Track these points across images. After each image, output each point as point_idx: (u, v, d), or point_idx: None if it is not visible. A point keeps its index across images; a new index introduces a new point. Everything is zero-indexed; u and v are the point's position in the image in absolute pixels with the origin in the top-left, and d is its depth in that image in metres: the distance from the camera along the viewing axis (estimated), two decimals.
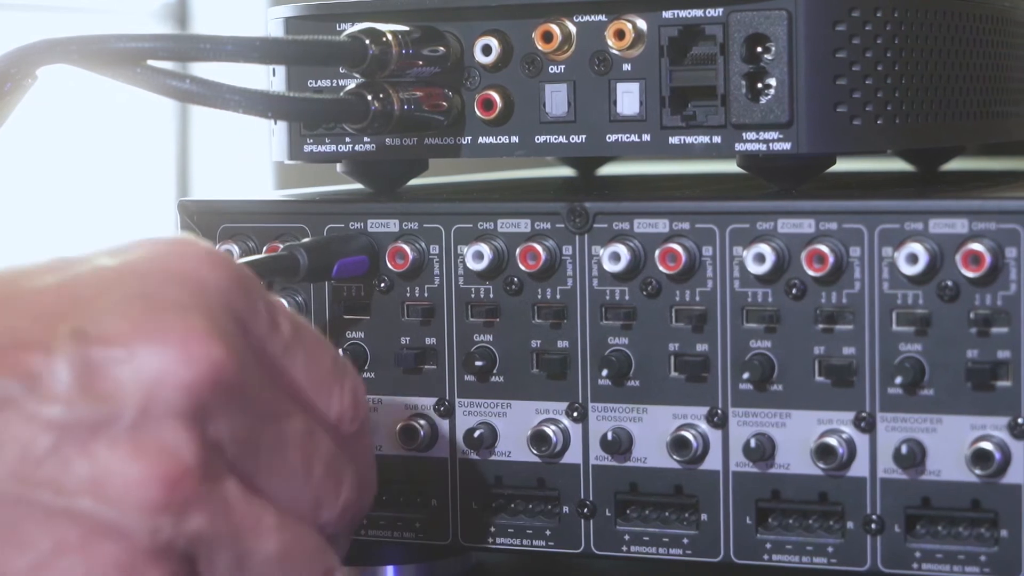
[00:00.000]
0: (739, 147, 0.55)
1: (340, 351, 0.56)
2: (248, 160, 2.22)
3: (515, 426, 0.58)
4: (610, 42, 0.56)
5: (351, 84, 0.57)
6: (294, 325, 0.47)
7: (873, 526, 0.54)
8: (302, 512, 0.46)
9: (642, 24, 0.56)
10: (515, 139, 0.58)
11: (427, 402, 0.59)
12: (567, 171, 0.82)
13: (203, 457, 0.43)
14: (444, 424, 0.58)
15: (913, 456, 0.53)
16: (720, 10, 0.55)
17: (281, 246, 0.58)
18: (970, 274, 0.52)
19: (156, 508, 0.42)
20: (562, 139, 0.57)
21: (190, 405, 0.43)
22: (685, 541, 0.56)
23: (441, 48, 0.58)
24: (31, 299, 0.44)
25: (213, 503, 0.43)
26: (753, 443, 0.55)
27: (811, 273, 0.54)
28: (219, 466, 0.44)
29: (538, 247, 0.57)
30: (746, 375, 0.55)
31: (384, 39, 0.56)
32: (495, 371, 0.58)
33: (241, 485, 0.44)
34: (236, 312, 0.45)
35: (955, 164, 0.75)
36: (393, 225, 0.59)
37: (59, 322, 0.43)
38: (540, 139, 0.58)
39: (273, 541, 0.45)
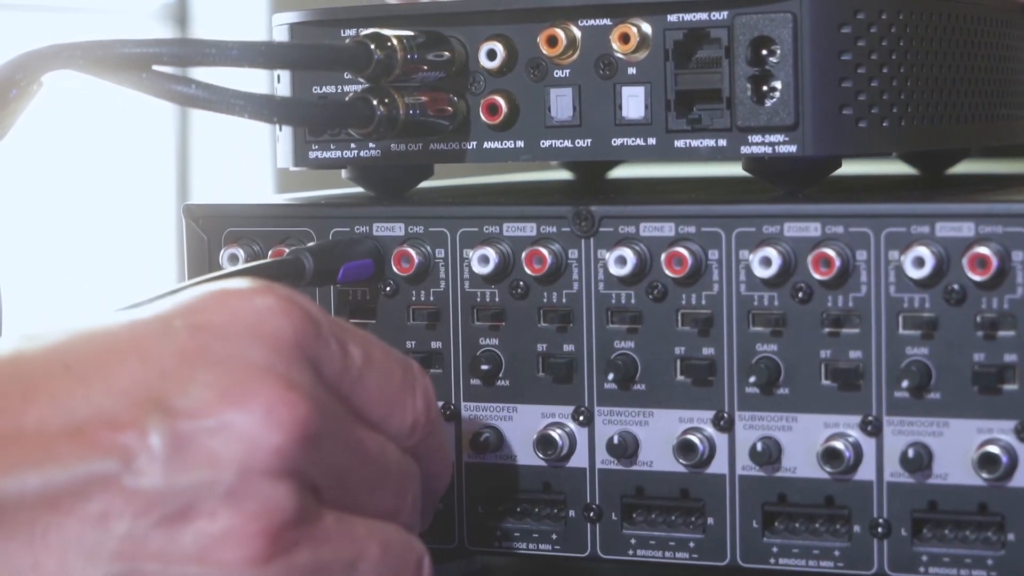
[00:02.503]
0: (745, 150, 0.55)
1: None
2: (249, 164, 2.22)
3: (521, 430, 0.58)
4: (615, 46, 0.56)
5: (356, 89, 0.57)
6: (363, 347, 0.48)
7: (880, 530, 0.54)
8: (385, 516, 0.48)
9: (647, 28, 0.56)
10: (520, 144, 0.58)
11: None
12: (567, 174, 0.82)
13: (301, 504, 0.45)
14: (450, 428, 0.58)
15: (920, 460, 0.53)
16: (725, 13, 0.55)
17: (286, 250, 0.58)
18: (977, 277, 0.52)
19: (261, 561, 0.44)
20: (567, 143, 0.57)
21: (283, 465, 0.44)
22: (691, 545, 0.56)
23: (446, 53, 0.57)
24: (117, 378, 0.44)
25: (316, 537, 0.45)
26: (759, 447, 0.55)
27: (817, 277, 0.54)
28: (313, 506, 0.45)
29: (544, 251, 0.57)
30: (752, 379, 0.55)
31: (389, 44, 0.56)
32: (501, 375, 0.58)
33: (333, 510, 0.46)
34: (311, 356, 0.46)
35: (960, 167, 0.75)
36: (398, 229, 0.59)
37: (146, 399, 0.44)
38: (545, 144, 0.58)
39: (372, 547, 0.47)
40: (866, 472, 0.54)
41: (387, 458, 0.49)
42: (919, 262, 0.53)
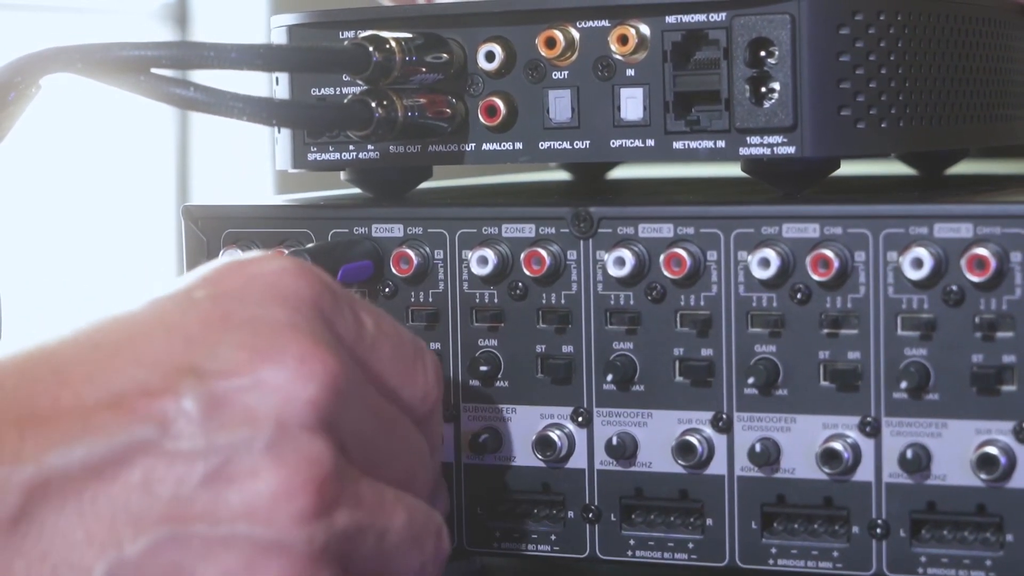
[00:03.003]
0: (743, 151, 0.55)
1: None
2: (248, 165, 2.22)
3: (520, 431, 0.58)
4: (613, 47, 0.56)
5: (355, 91, 0.57)
6: (374, 318, 0.49)
7: (878, 531, 0.54)
8: (404, 486, 0.49)
9: (645, 29, 0.56)
10: (519, 145, 0.58)
11: None
12: (566, 175, 0.82)
13: (338, 459, 0.45)
14: (449, 429, 0.58)
15: (918, 460, 0.53)
16: (723, 15, 0.55)
17: (285, 251, 0.58)
18: (975, 278, 0.52)
19: (308, 517, 0.44)
20: (566, 145, 0.57)
21: (319, 416, 0.45)
22: (690, 546, 0.56)
23: (444, 55, 0.58)
24: (146, 349, 0.45)
25: (350, 498, 0.46)
26: (758, 448, 0.55)
27: (816, 278, 0.54)
28: (346, 464, 0.46)
29: (543, 252, 0.57)
30: (751, 380, 0.55)
31: (387, 46, 0.56)
32: (500, 376, 0.58)
33: (364, 474, 0.47)
34: (328, 319, 0.47)
35: (959, 168, 0.75)
36: (397, 230, 0.59)
37: (177, 365, 0.44)
38: (544, 145, 0.58)
39: (399, 515, 0.48)
40: (865, 473, 0.54)
41: (404, 427, 0.50)
42: (918, 263, 0.53)
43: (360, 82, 0.57)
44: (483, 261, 0.57)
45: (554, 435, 0.57)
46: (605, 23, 0.56)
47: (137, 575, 0.43)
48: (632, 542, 0.57)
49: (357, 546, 0.46)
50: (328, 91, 0.60)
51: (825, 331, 0.54)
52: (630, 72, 0.56)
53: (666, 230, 0.56)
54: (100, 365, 0.45)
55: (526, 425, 0.57)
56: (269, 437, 0.44)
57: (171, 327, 0.45)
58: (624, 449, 0.56)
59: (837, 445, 0.54)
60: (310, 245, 0.58)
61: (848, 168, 0.59)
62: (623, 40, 0.56)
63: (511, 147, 0.58)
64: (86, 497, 0.43)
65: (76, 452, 0.43)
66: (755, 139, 0.55)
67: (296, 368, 0.45)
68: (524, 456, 0.58)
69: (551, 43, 0.57)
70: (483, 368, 0.57)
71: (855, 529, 0.54)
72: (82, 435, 0.43)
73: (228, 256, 0.49)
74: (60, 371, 0.45)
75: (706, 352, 0.55)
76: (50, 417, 0.44)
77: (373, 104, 0.56)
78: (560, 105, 0.57)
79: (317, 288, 0.47)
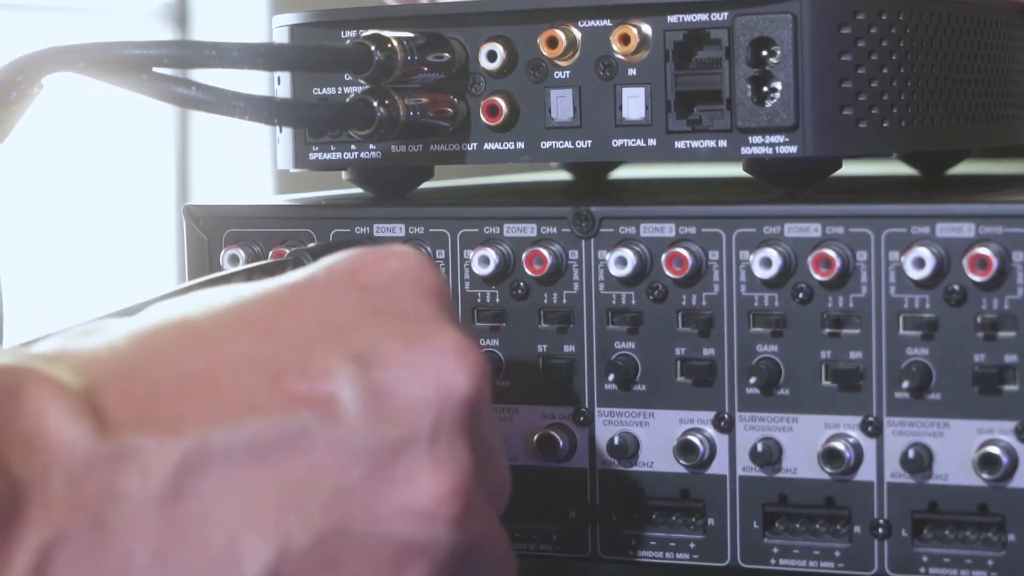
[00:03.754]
0: (745, 151, 0.55)
1: None
2: (249, 165, 2.22)
3: (522, 431, 0.58)
4: (615, 47, 0.56)
5: (356, 91, 0.57)
6: None
7: (880, 530, 0.54)
8: (497, 505, 0.48)
9: (647, 29, 0.56)
10: (521, 145, 0.58)
11: None
12: (568, 175, 0.82)
13: (476, 460, 0.44)
14: None
15: (920, 460, 0.53)
16: (725, 14, 0.55)
17: (287, 251, 0.58)
18: (977, 278, 0.52)
19: (459, 520, 0.43)
20: (568, 145, 0.57)
21: (471, 412, 0.44)
22: (692, 545, 0.56)
23: (446, 54, 0.58)
24: (297, 332, 0.44)
25: (482, 507, 0.45)
26: (760, 447, 0.55)
27: (818, 277, 0.54)
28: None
29: (544, 251, 0.57)
30: (753, 379, 0.55)
31: (389, 45, 0.56)
32: (501, 376, 0.58)
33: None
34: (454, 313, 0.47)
35: (961, 168, 0.75)
36: (399, 230, 0.59)
37: (335, 348, 0.43)
38: (546, 145, 0.58)
39: (502, 540, 0.47)
40: (866, 473, 0.54)
41: (501, 437, 0.49)
42: (919, 263, 0.53)
43: (362, 81, 0.57)
44: (485, 261, 0.57)
45: (556, 435, 0.57)
46: (607, 23, 0.56)
47: (300, 566, 0.42)
48: (634, 542, 0.57)
49: (474, 556, 0.45)
50: (330, 90, 0.60)
51: (827, 331, 0.54)
52: (632, 72, 0.56)
53: (668, 230, 0.56)
54: (252, 344, 0.43)
55: (528, 425, 0.57)
56: (430, 434, 0.43)
57: (321, 315, 0.44)
58: (626, 449, 0.56)
59: (839, 445, 0.54)
60: (311, 245, 0.58)
61: (850, 168, 0.59)
62: (625, 40, 0.56)
63: (513, 147, 0.58)
64: (250, 479, 0.42)
65: (242, 432, 0.41)
66: (757, 139, 0.55)
67: (455, 359, 0.44)
68: (526, 456, 0.58)
69: (553, 43, 0.57)
70: None
71: (857, 529, 0.54)
72: (246, 414, 0.42)
73: (360, 250, 0.47)
74: (211, 350, 0.43)
75: (708, 352, 0.55)
76: (207, 397, 0.42)
77: (375, 103, 0.56)
78: (562, 105, 0.57)
79: (441, 278, 0.47)
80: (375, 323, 0.44)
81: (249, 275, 0.56)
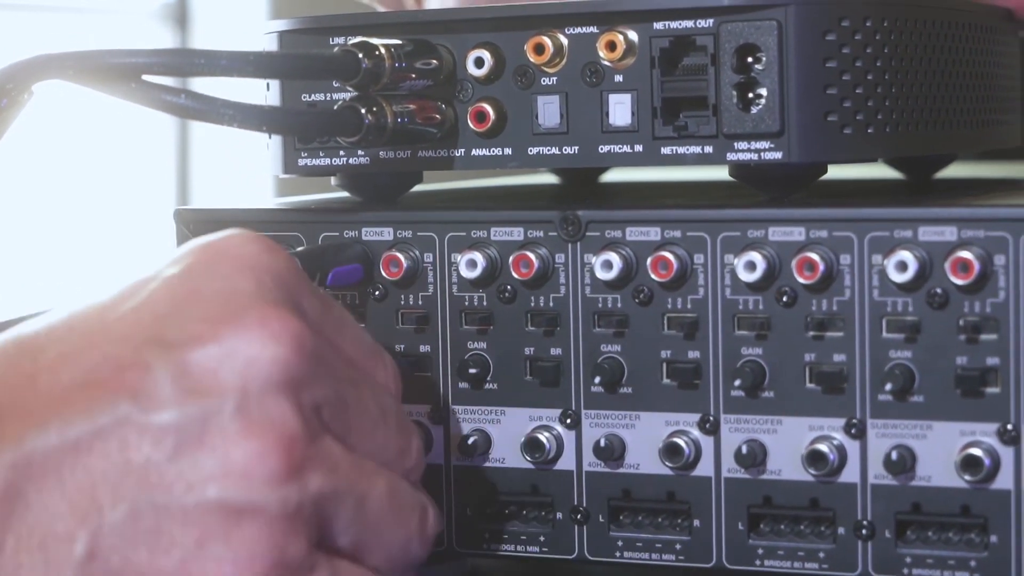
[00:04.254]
0: (731, 157, 0.56)
1: None
2: (248, 170, 2.23)
3: (509, 433, 0.58)
4: (602, 54, 0.57)
5: (345, 98, 0.58)
6: (339, 306, 0.51)
7: (864, 532, 0.54)
8: (389, 462, 0.50)
9: (633, 36, 0.56)
10: (508, 151, 0.58)
11: (421, 409, 0.59)
12: (554, 178, 0.82)
13: (305, 421, 0.47)
14: (438, 431, 0.59)
15: (903, 462, 0.54)
16: (711, 21, 0.55)
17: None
18: (959, 281, 0.53)
19: (279, 478, 0.46)
20: (555, 150, 0.58)
21: (284, 377, 0.46)
22: (678, 547, 0.56)
23: (434, 61, 0.58)
24: (117, 327, 0.47)
25: (324, 461, 0.47)
26: (745, 449, 0.55)
27: (802, 281, 0.54)
28: (318, 427, 0.47)
29: (531, 255, 0.57)
30: (737, 382, 0.55)
31: (377, 52, 0.56)
32: (489, 378, 0.58)
33: (339, 441, 0.48)
34: (295, 293, 0.49)
35: (947, 171, 0.75)
36: (387, 233, 0.59)
37: (145, 339, 0.46)
38: (533, 151, 0.58)
39: (381, 483, 0.49)
40: (850, 474, 0.54)
41: (384, 399, 0.51)
42: (902, 266, 0.53)
43: (350, 88, 0.57)
44: (472, 264, 0.58)
45: (543, 437, 0.57)
46: (593, 29, 0.57)
47: (119, 541, 0.45)
48: (620, 543, 0.57)
49: (336, 511, 0.48)
50: (318, 97, 0.60)
51: (811, 334, 0.55)
52: (618, 78, 0.57)
53: (653, 233, 0.56)
54: (74, 346, 0.47)
55: (515, 427, 0.58)
56: (236, 401, 0.46)
57: (140, 305, 0.47)
58: (612, 451, 0.57)
59: (823, 447, 0.54)
60: (300, 248, 0.59)
61: (835, 171, 0.60)
62: (611, 46, 0.56)
63: (500, 152, 0.58)
64: (65, 471, 0.45)
65: (52, 430, 0.45)
66: (742, 144, 0.55)
67: (258, 331, 0.46)
68: (513, 458, 0.58)
69: (540, 49, 0.57)
70: (472, 370, 0.58)
71: (841, 530, 0.55)
72: (59, 413, 0.45)
73: (198, 238, 0.50)
74: (37, 356, 0.47)
75: (693, 354, 0.56)
76: (28, 400, 0.46)
77: (363, 110, 0.57)
78: (549, 111, 0.58)
79: (283, 263, 0.49)
80: (188, 307, 0.47)
81: None
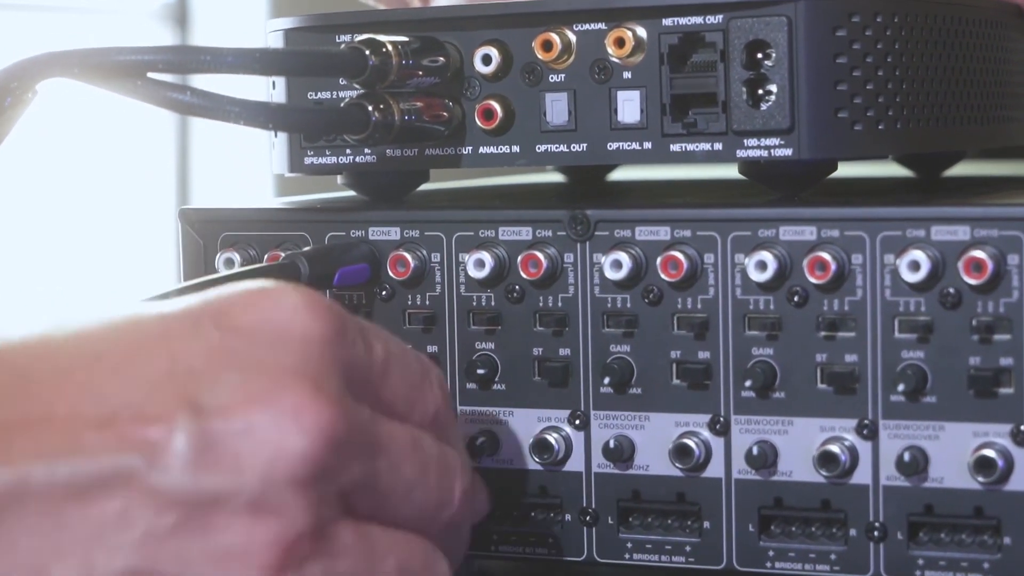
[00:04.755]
0: (740, 154, 0.55)
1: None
2: (248, 169, 2.22)
3: (517, 434, 0.58)
4: (610, 50, 0.56)
5: (351, 95, 0.57)
6: (383, 343, 0.49)
7: (876, 533, 0.54)
8: (427, 518, 0.49)
9: (642, 32, 0.56)
10: (516, 149, 0.58)
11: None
12: (562, 177, 0.82)
13: (318, 516, 0.45)
14: None
15: (916, 463, 0.53)
16: (720, 17, 0.55)
17: (282, 254, 0.58)
18: (972, 281, 0.52)
19: (277, 570, 0.44)
20: (563, 148, 0.57)
21: (308, 473, 0.44)
22: (688, 549, 0.56)
23: (441, 58, 0.58)
24: (145, 369, 0.45)
25: (328, 553, 0.45)
26: (755, 450, 0.55)
27: (813, 280, 0.54)
28: (334, 515, 0.45)
29: (539, 255, 0.57)
30: (748, 382, 0.55)
31: (384, 50, 0.56)
32: (497, 379, 0.58)
33: (355, 523, 0.46)
34: (340, 358, 0.46)
35: (956, 170, 0.75)
36: (394, 233, 0.59)
37: (175, 395, 0.44)
38: (541, 148, 0.58)
39: (389, 562, 0.47)
40: (862, 476, 0.54)
41: (424, 450, 0.49)
42: (915, 266, 0.53)
43: (356, 86, 0.57)
44: (480, 264, 0.57)
45: (551, 438, 0.57)
46: (602, 26, 0.56)
47: None
48: (629, 545, 0.57)
49: None
50: (325, 95, 0.60)
51: (822, 334, 0.54)
52: (627, 75, 0.56)
53: (663, 233, 0.56)
54: (99, 379, 0.44)
55: (523, 428, 0.58)
56: (252, 491, 0.44)
57: (175, 354, 0.45)
58: (621, 452, 0.56)
59: (834, 448, 0.54)
60: (307, 248, 0.58)
61: (845, 170, 0.59)
62: (620, 43, 0.56)
63: (508, 150, 0.58)
64: (64, 516, 0.43)
65: (62, 469, 0.43)
66: (752, 141, 0.55)
67: (292, 419, 0.44)
68: (521, 459, 0.58)
69: (548, 46, 0.57)
70: (480, 371, 0.57)
71: (852, 532, 0.54)
72: (71, 451, 0.43)
73: (244, 285, 0.47)
74: (59, 377, 0.44)
75: (703, 355, 0.55)
76: (41, 424, 0.43)
77: (370, 108, 0.56)
78: (557, 108, 0.57)
79: (329, 328, 0.46)
80: (225, 371, 0.44)
81: (243, 278, 0.56)
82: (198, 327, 0.46)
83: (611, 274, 0.56)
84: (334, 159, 0.60)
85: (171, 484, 0.43)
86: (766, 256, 0.54)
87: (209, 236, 0.61)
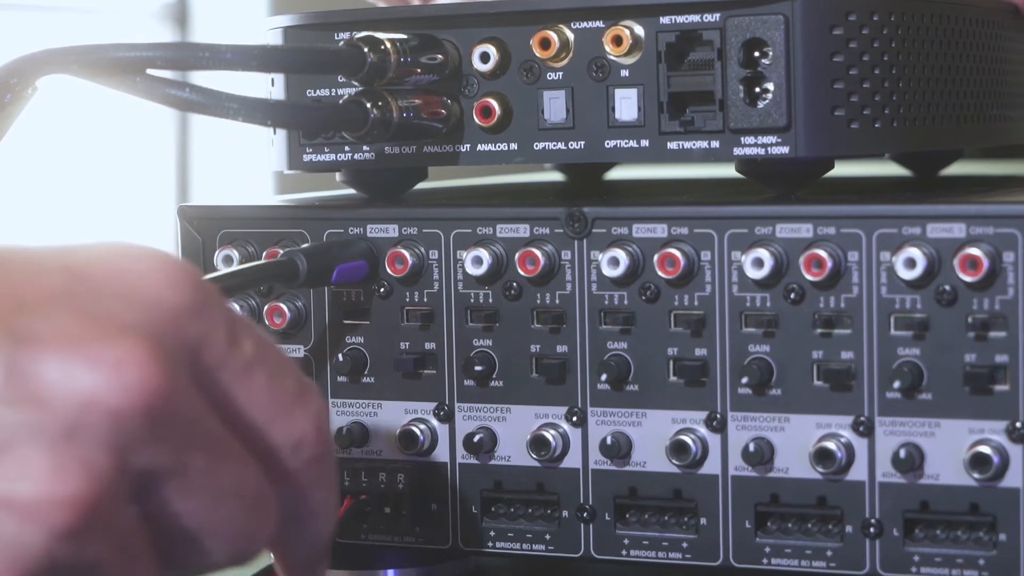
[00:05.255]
0: (737, 152, 0.55)
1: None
2: (248, 166, 2.22)
3: (515, 431, 0.58)
4: (608, 48, 0.56)
5: (350, 92, 0.57)
6: (257, 344, 0.45)
7: (872, 530, 0.54)
8: (220, 543, 0.44)
9: (640, 30, 0.56)
10: (514, 146, 0.58)
11: (427, 407, 0.59)
12: (560, 175, 0.82)
13: (116, 486, 0.41)
14: (444, 429, 0.59)
15: (911, 460, 0.53)
16: (717, 15, 0.55)
17: (281, 251, 0.58)
18: (968, 278, 0.52)
19: (61, 534, 0.40)
20: (561, 146, 0.57)
21: (116, 433, 0.41)
22: (684, 545, 0.56)
23: (439, 56, 0.58)
24: None
25: (111, 533, 0.41)
26: (752, 447, 0.55)
27: (809, 278, 0.54)
28: (127, 494, 0.42)
29: (537, 252, 0.57)
30: (745, 379, 0.55)
31: (382, 47, 0.56)
32: (494, 376, 0.58)
33: (139, 510, 0.42)
34: (189, 333, 0.43)
35: (953, 169, 0.75)
36: (392, 230, 0.59)
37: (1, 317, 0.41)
38: (539, 146, 0.58)
39: (149, 561, 0.43)
40: (858, 472, 0.54)
41: (246, 478, 0.44)
42: (910, 263, 0.53)
43: (355, 83, 0.57)
44: (478, 261, 0.57)
45: (549, 435, 0.57)
46: (599, 24, 0.56)
47: None
48: (626, 541, 0.57)
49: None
50: (323, 92, 0.60)
51: (818, 331, 0.54)
52: (624, 73, 0.56)
53: (660, 230, 0.56)
54: None
55: (521, 425, 0.58)
56: (56, 432, 0.40)
57: (16, 285, 0.42)
58: (618, 448, 0.56)
59: (830, 444, 0.54)
60: (305, 245, 0.58)
61: (842, 169, 0.59)
62: (617, 41, 0.56)
63: (506, 148, 0.58)
64: None
65: None
66: (749, 139, 0.55)
67: (111, 371, 0.41)
68: (519, 456, 0.58)
69: (546, 44, 0.57)
70: (478, 368, 0.58)
71: (848, 528, 0.54)
72: None
73: (108, 244, 0.44)
74: None
75: (700, 352, 0.56)
76: None
77: (368, 105, 0.56)
78: (555, 106, 0.57)
79: (186, 301, 0.43)
80: (57, 310, 0.41)
81: (242, 276, 0.56)
82: (45, 266, 0.43)
83: (608, 271, 0.56)
84: (332, 156, 0.60)
85: None
86: (763, 253, 0.54)
87: (208, 233, 0.61)
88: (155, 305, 0.43)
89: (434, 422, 0.59)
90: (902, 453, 0.53)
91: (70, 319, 0.41)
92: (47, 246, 0.44)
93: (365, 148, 0.60)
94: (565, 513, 0.57)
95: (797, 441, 0.55)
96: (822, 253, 0.54)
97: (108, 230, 2.26)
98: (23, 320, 0.41)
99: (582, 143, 0.57)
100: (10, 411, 0.40)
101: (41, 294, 0.42)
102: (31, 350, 0.40)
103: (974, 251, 0.52)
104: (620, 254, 0.56)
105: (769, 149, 0.55)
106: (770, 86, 0.55)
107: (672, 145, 0.56)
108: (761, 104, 0.55)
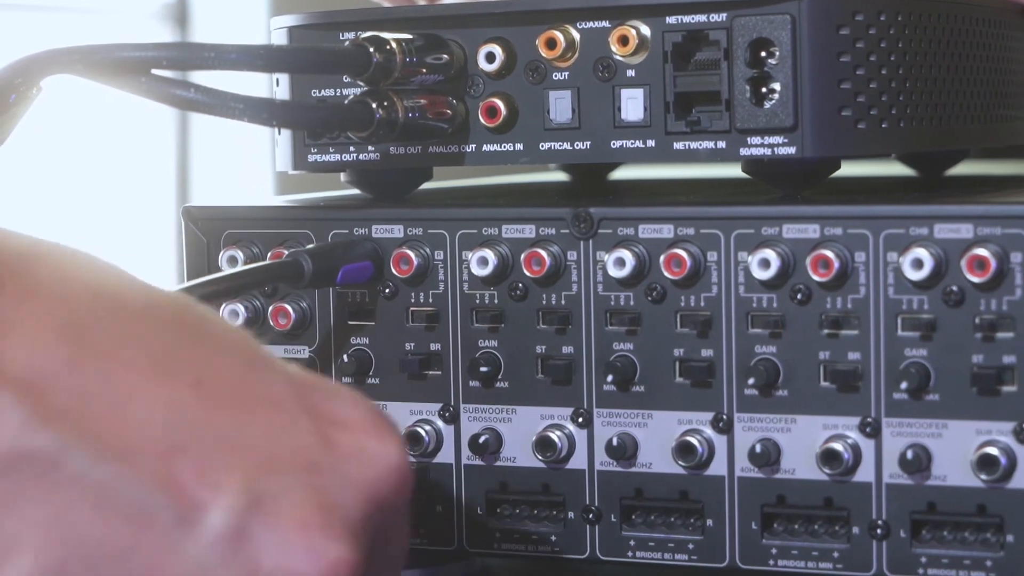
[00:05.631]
0: (744, 152, 0.55)
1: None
2: (249, 167, 2.22)
3: (520, 432, 0.58)
4: (614, 48, 0.56)
5: (355, 93, 0.57)
6: (406, 538, 0.46)
7: (879, 531, 0.54)
8: None
9: (646, 30, 0.56)
10: (519, 146, 0.58)
11: (432, 408, 0.59)
12: (565, 176, 0.82)
13: None
14: (449, 430, 0.58)
15: (919, 461, 0.53)
16: (724, 15, 0.55)
17: (285, 252, 0.58)
18: (975, 279, 0.52)
19: None
20: (566, 146, 0.57)
21: None
22: (690, 546, 0.56)
23: (445, 56, 0.58)
24: (237, 414, 0.42)
25: None
26: (758, 448, 0.55)
27: (816, 278, 0.54)
28: None
29: (543, 253, 0.57)
30: (751, 380, 0.55)
31: (388, 47, 0.56)
32: (500, 377, 0.58)
33: None
34: (388, 528, 0.44)
35: (959, 169, 0.75)
36: (397, 231, 0.59)
37: (245, 466, 0.41)
38: (544, 146, 0.58)
39: None
40: (865, 474, 0.54)
41: None
42: (918, 264, 0.53)
43: (360, 83, 0.57)
44: (483, 262, 0.57)
45: (554, 436, 0.57)
46: (605, 24, 0.56)
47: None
48: (632, 543, 0.57)
49: None
50: (328, 92, 0.60)
51: (825, 332, 0.54)
52: (630, 73, 0.56)
53: (666, 231, 0.56)
54: (203, 409, 0.41)
55: (526, 426, 0.57)
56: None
57: (270, 434, 0.42)
58: (624, 450, 0.56)
59: (837, 446, 0.54)
60: (310, 246, 0.58)
61: (848, 169, 0.59)
62: (623, 41, 0.56)
63: (512, 148, 0.58)
64: (67, 506, 0.39)
65: (108, 471, 0.40)
66: (756, 139, 0.55)
67: (325, 570, 0.41)
68: (524, 457, 0.58)
69: (551, 44, 0.57)
70: (483, 369, 0.57)
71: (855, 530, 0.54)
72: (125, 463, 0.40)
73: (359, 400, 0.44)
74: (174, 378, 0.41)
75: (706, 353, 0.55)
76: (122, 418, 0.40)
77: (373, 105, 0.56)
78: (560, 106, 0.57)
79: (402, 498, 0.44)
80: (304, 486, 0.41)
81: (248, 277, 0.56)
82: (295, 419, 0.42)
83: (614, 272, 0.56)
84: (337, 156, 0.60)
85: (187, 553, 0.40)
86: (769, 254, 0.54)
87: (212, 234, 0.61)
88: (381, 507, 0.43)
89: (439, 423, 0.58)
90: (909, 454, 0.53)
91: (307, 500, 0.41)
92: (297, 381, 0.43)
93: (370, 148, 0.60)
94: (571, 514, 0.57)
95: (804, 442, 0.54)
96: (829, 254, 0.53)
97: (108, 230, 2.26)
98: (269, 482, 0.41)
99: (588, 143, 0.57)
100: (223, 569, 0.40)
101: (291, 459, 0.41)
102: (265, 520, 0.40)
103: (982, 251, 0.52)
104: (626, 254, 0.56)
105: (776, 149, 0.55)
106: (777, 86, 0.54)
107: (678, 145, 0.56)
108: (768, 104, 0.55)
